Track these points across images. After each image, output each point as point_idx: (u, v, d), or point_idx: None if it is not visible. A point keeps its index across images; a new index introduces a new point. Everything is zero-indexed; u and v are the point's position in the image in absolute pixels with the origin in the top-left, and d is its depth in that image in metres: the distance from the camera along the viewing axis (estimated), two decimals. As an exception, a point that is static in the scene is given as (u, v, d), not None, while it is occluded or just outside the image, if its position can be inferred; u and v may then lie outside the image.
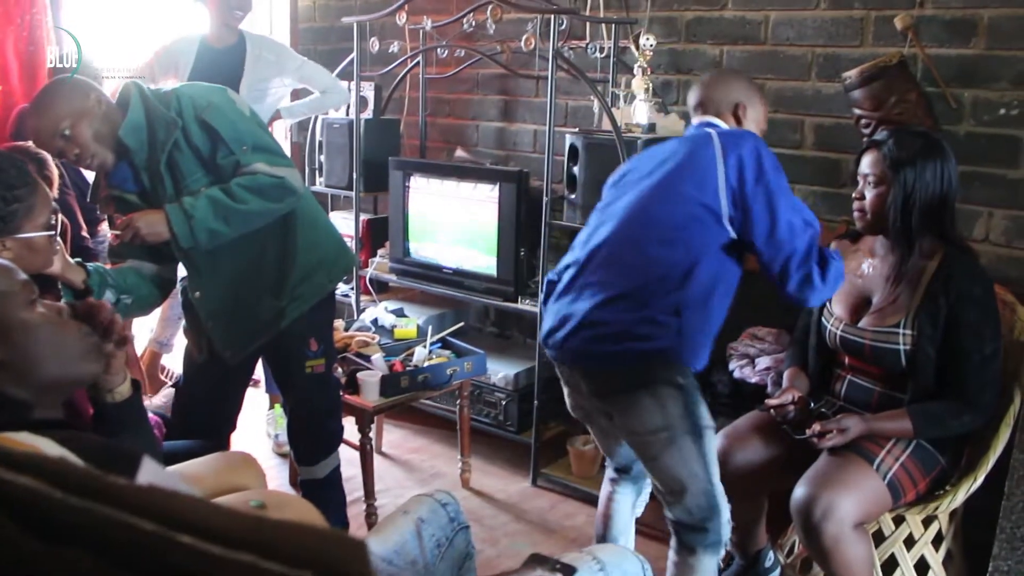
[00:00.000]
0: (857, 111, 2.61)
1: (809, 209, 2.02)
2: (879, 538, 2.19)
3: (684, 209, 1.96)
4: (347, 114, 3.78)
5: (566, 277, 2.10)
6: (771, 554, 2.49)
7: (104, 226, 3.64)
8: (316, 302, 2.38)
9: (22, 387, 1.23)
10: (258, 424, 3.65)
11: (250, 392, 3.32)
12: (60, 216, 2.85)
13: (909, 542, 2.20)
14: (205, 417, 2.43)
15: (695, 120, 2.19)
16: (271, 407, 3.53)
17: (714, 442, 2.03)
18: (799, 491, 2.03)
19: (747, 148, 1.95)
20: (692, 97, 2.22)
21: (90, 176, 3.58)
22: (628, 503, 2.35)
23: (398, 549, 1.62)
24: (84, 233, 3.33)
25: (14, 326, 1.26)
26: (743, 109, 2.16)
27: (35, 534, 0.49)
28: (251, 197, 2.15)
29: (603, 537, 2.35)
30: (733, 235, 1.96)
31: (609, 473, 2.38)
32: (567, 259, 2.14)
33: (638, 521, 2.43)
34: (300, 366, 2.41)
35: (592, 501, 3.00)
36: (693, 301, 1.95)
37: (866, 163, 2.16)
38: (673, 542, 2.07)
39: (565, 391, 2.24)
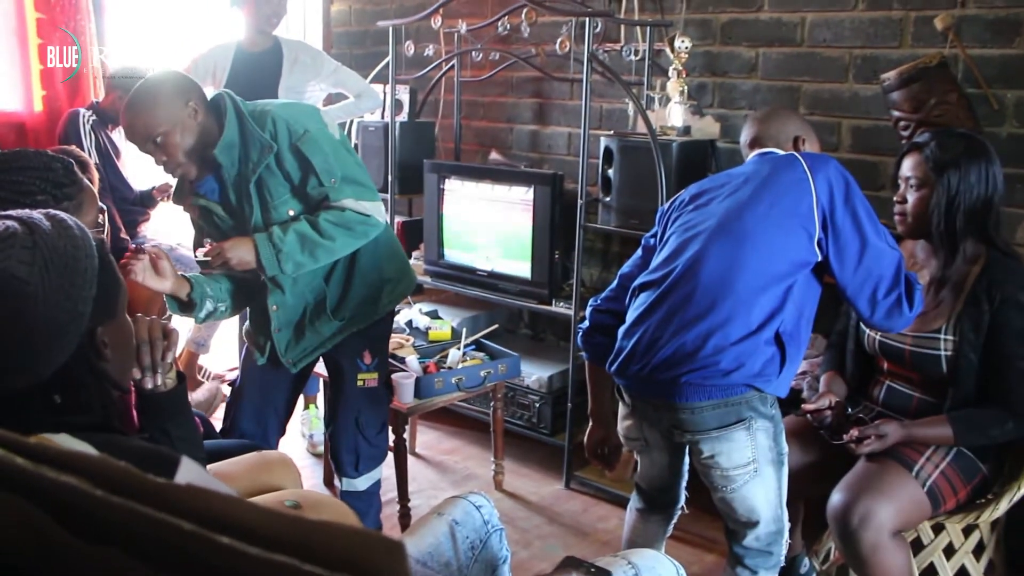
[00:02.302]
0: (896, 113, 2.57)
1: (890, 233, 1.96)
2: (918, 546, 2.16)
3: (783, 226, 1.87)
4: (382, 117, 3.80)
5: (644, 299, 1.99)
6: (806, 560, 2.46)
7: (144, 226, 3.70)
8: (376, 320, 2.43)
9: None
10: (293, 424, 3.67)
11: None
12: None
13: (949, 551, 2.16)
14: (255, 419, 2.47)
15: (751, 154, 2.10)
16: (306, 407, 3.55)
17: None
18: (836, 497, 2.01)
19: (834, 170, 1.90)
20: (747, 134, 2.15)
21: (126, 175, 3.65)
22: (658, 536, 2.29)
23: (432, 551, 1.63)
24: (123, 235, 3.38)
25: (126, 328, 1.29)
26: (802, 142, 2.11)
27: (75, 532, 0.49)
28: (338, 233, 2.19)
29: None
30: (820, 258, 1.88)
31: (636, 503, 2.30)
32: (644, 278, 2.02)
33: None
34: (352, 378, 2.44)
35: (625, 504, 2.98)
36: (791, 325, 1.87)
37: (907, 166, 2.12)
38: (734, 568, 2.05)
39: (625, 422, 2.14)
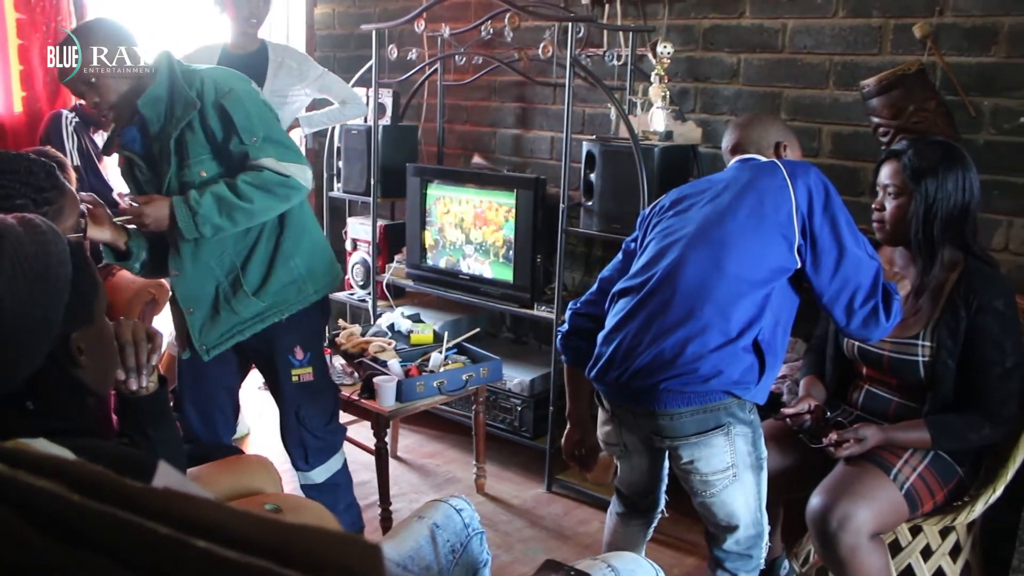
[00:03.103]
0: (875, 119, 2.60)
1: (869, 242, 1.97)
2: (895, 548, 2.18)
3: (762, 232, 1.87)
4: (365, 121, 3.80)
5: (623, 305, 1.98)
6: (786, 563, 2.48)
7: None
8: (300, 310, 2.39)
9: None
10: (272, 427, 3.66)
11: (264, 395, 3.34)
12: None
13: (926, 553, 2.19)
14: (201, 420, 2.46)
15: (733, 160, 2.11)
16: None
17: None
18: (815, 500, 2.03)
19: (813, 177, 1.91)
20: (728, 139, 2.16)
21: (108, 177, 3.63)
22: (639, 540, 2.30)
23: (412, 554, 1.63)
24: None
25: (104, 333, 1.28)
26: (784, 148, 2.12)
27: (53, 537, 0.49)
28: (256, 194, 2.18)
29: None
30: (799, 265, 1.88)
31: (617, 508, 2.31)
32: (623, 283, 2.02)
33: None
34: (287, 375, 2.42)
35: (607, 507, 2.99)
36: (769, 333, 1.88)
37: (885, 174, 2.15)
38: (715, 572, 2.06)
39: (605, 427, 2.14)
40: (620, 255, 2.18)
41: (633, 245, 2.15)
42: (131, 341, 1.40)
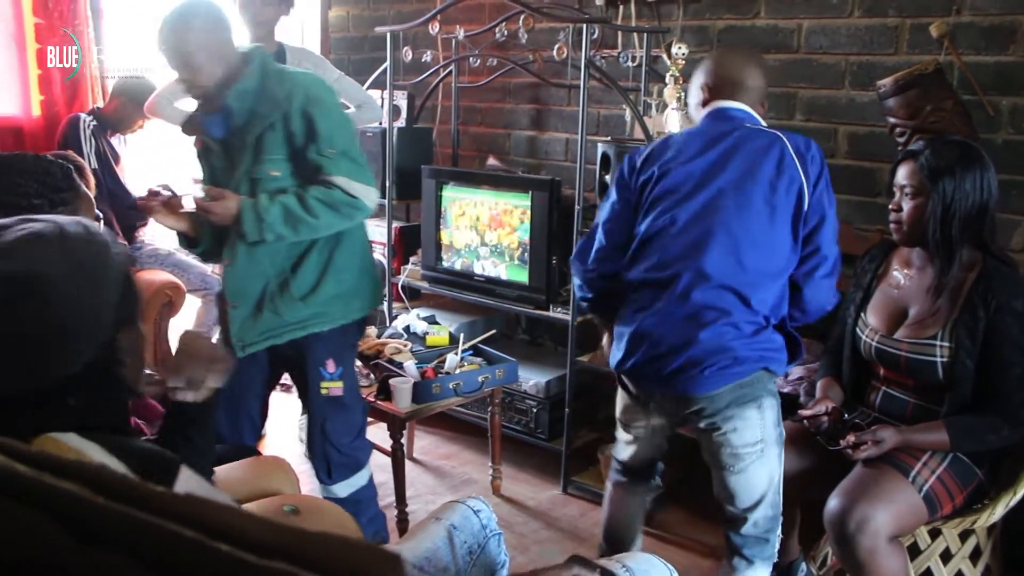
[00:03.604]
0: (892, 120, 2.58)
1: None
2: (914, 551, 2.16)
3: (778, 224, 1.95)
4: (380, 123, 3.81)
5: (650, 300, 2.01)
6: (804, 566, 2.47)
7: (142, 232, 3.71)
8: (341, 325, 2.40)
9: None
10: (291, 429, 3.68)
11: (283, 397, 3.36)
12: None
13: (946, 556, 2.17)
14: (229, 424, 2.45)
15: (725, 103, 2.09)
16: (303, 412, 3.55)
17: None
18: (833, 502, 2.02)
19: (818, 154, 2.00)
20: (715, 76, 2.12)
21: (125, 180, 3.65)
22: (641, 509, 2.38)
23: (429, 556, 1.62)
24: (121, 240, 3.39)
25: (140, 335, 1.31)
26: (766, 104, 2.18)
27: (77, 537, 0.50)
28: (323, 211, 2.20)
29: (619, 539, 2.36)
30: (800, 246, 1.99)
31: (620, 478, 2.35)
32: (645, 274, 2.02)
33: (659, 526, 2.42)
34: (316, 386, 2.42)
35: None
36: (786, 309, 2.00)
37: (902, 174, 2.13)
38: (732, 562, 2.11)
39: (630, 411, 2.19)
40: (618, 203, 2.13)
41: (624, 200, 2.11)
42: (199, 356, 1.45)
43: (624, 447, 2.30)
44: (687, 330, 1.94)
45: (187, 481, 0.79)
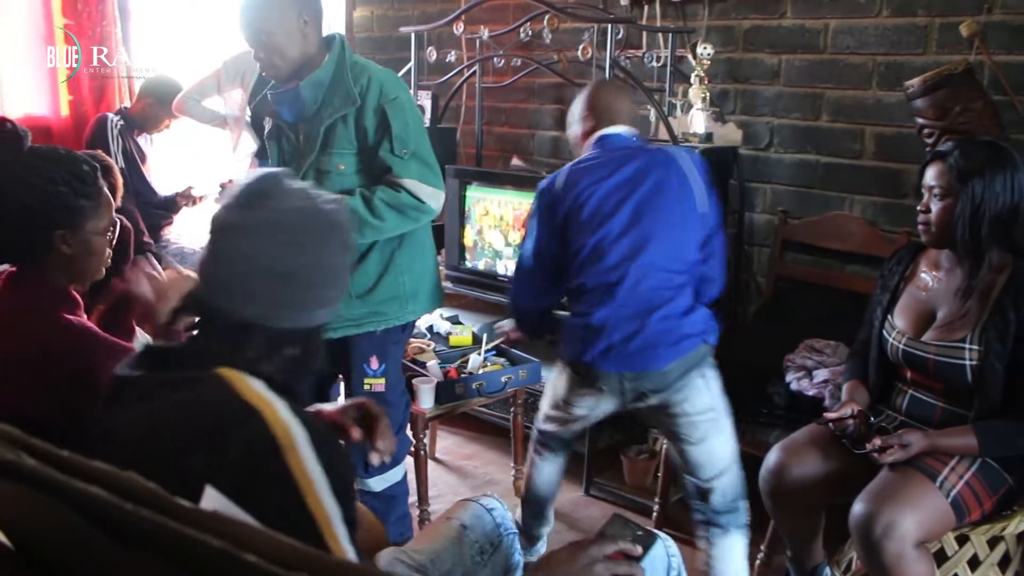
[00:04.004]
0: (920, 120, 2.55)
1: None
2: (941, 558, 2.14)
3: (690, 222, 2.24)
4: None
5: (605, 297, 2.23)
6: (828, 570, 2.44)
7: (168, 230, 3.75)
8: (396, 326, 2.42)
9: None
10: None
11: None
12: (123, 221, 2.95)
13: (974, 563, 2.14)
14: None
15: (615, 130, 2.35)
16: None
17: None
18: (858, 507, 2.00)
19: (700, 161, 2.32)
20: (596, 107, 2.38)
21: (151, 179, 3.69)
22: (561, 468, 2.66)
23: (434, 557, 1.58)
24: (147, 239, 3.42)
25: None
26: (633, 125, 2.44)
27: (111, 537, 0.50)
28: (389, 214, 2.21)
29: (543, 497, 2.67)
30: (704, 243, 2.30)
31: (550, 453, 2.61)
32: (595, 279, 2.24)
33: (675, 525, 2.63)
34: (359, 382, 2.44)
35: (645, 511, 2.98)
36: (704, 292, 2.33)
37: (931, 175, 2.11)
38: (708, 534, 2.30)
39: (584, 399, 2.38)
40: (545, 236, 2.34)
41: (554, 226, 2.32)
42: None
43: (554, 423, 2.54)
44: (640, 317, 2.19)
45: (211, 500, 0.79)
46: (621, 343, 2.20)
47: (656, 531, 1.55)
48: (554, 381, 2.51)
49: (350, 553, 1.06)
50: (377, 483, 2.50)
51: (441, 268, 3.69)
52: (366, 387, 2.43)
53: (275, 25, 2.12)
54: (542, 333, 2.65)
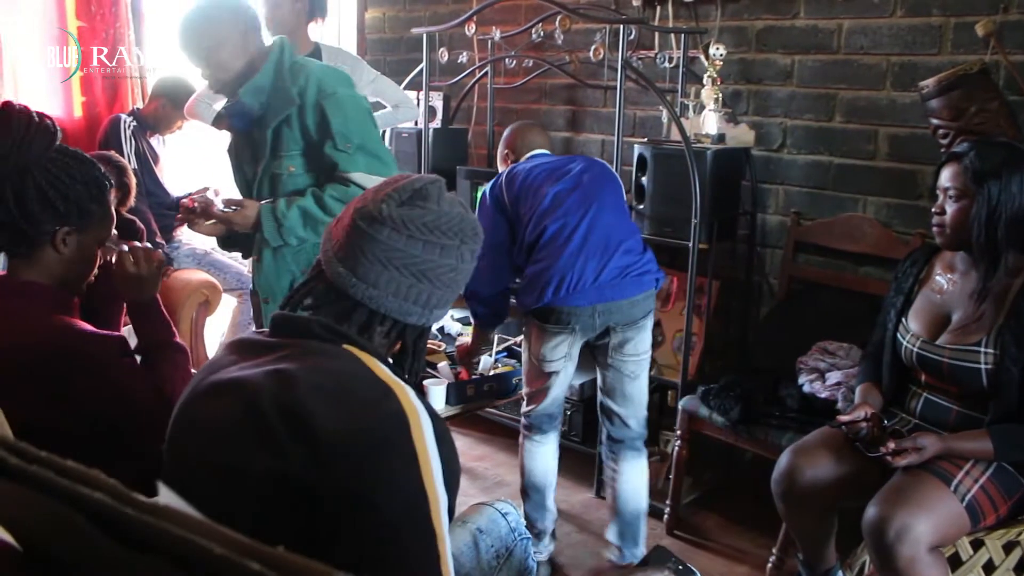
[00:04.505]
0: (935, 121, 2.53)
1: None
2: (956, 562, 2.11)
3: (620, 201, 2.65)
4: (416, 124, 3.82)
5: (563, 244, 2.48)
6: (840, 573, 2.43)
7: (180, 231, 3.76)
8: None
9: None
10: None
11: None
12: (136, 221, 2.96)
13: (988, 568, 2.12)
14: None
15: (539, 150, 2.78)
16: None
17: None
18: (872, 510, 1.98)
19: (608, 166, 2.75)
20: (535, 140, 2.82)
21: (163, 180, 3.70)
22: (555, 451, 2.80)
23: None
24: (159, 239, 3.44)
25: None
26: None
27: (115, 539, 0.50)
28: (341, 211, 2.20)
29: (542, 485, 2.76)
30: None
31: (540, 435, 2.74)
32: (553, 228, 2.49)
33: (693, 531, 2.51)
34: None
35: (656, 514, 2.97)
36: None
37: (946, 176, 2.09)
38: (625, 456, 2.66)
39: (556, 343, 2.54)
40: (502, 219, 2.61)
41: (511, 211, 2.60)
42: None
43: (536, 400, 2.68)
44: (603, 253, 2.47)
45: (166, 496, 0.80)
46: (592, 277, 2.45)
47: (693, 568, 1.58)
48: (525, 355, 2.69)
49: (446, 542, 1.16)
50: None
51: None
52: None
53: (216, 42, 2.13)
54: (502, 317, 2.81)
